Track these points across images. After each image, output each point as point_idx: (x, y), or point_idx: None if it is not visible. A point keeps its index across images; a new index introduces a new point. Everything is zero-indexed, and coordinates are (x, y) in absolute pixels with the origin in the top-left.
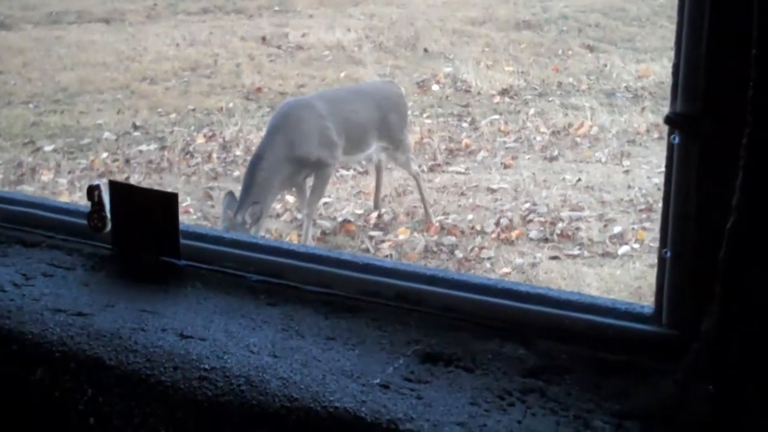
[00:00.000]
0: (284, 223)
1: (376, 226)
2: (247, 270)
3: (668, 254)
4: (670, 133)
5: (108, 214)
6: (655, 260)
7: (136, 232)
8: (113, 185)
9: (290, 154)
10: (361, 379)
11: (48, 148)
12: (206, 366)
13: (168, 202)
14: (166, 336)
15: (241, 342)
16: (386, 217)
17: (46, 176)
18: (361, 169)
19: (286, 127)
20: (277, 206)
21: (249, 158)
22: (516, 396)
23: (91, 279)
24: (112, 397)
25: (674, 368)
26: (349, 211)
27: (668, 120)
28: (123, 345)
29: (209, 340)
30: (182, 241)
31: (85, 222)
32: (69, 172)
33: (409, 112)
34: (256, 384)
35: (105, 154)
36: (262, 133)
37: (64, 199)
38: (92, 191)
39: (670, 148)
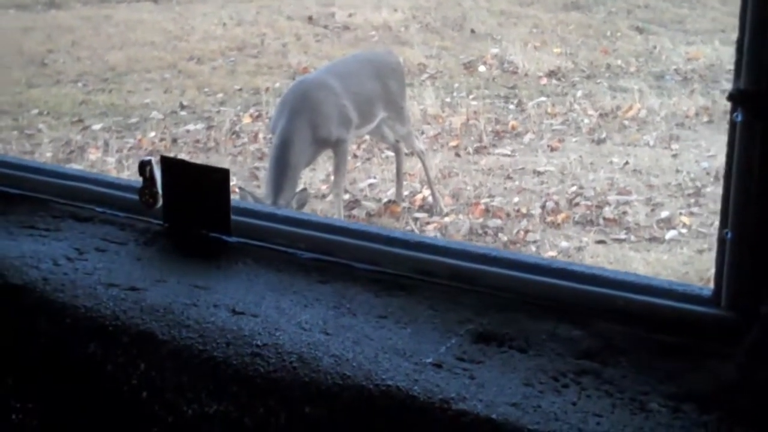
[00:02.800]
0: (330, 204)
1: (421, 208)
2: (298, 247)
3: (729, 235)
4: (732, 111)
5: (159, 190)
6: (703, 245)
7: (187, 208)
8: (165, 161)
9: (314, 136)
10: (413, 357)
11: (96, 126)
12: (258, 342)
13: (220, 177)
14: (218, 312)
15: (293, 319)
16: (431, 200)
17: (94, 155)
18: (407, 151)
19: (307, 109)
20: (323, 187)
21: None
22: (570, 377)
23: (144, 254)
24: (164, 372)
25: (733, 351)
26: (394, 192)
27: (731, 97)
28: (175, 320)
29: (261, 316)
30: (233, 217)
31: (136, 197)
32: (117, 151)
33: (455, 94)
34: (308, 361)
35: (152, 134)
36: None
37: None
38: (144, 167)
39: (733, 125)
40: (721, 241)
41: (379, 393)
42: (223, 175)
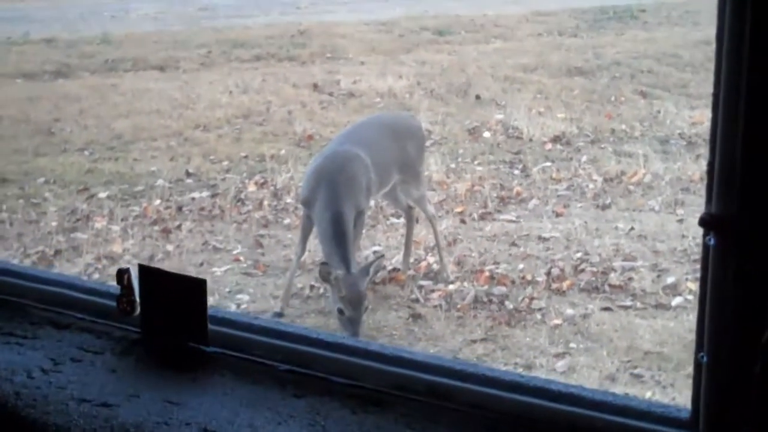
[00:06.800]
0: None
1: (425, 275)
2: (275, 359)
3: (704, 359)
4: (705, 235)
5: (137, 298)
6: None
7: (164, 316)
8: (143, 269)
9: (353, 205)
10: None
11: (102, 194)
12: None
13: (197, 287)
14: (190, 431)
15: None
16: (436, 267)
17: (99, 223)
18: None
19: (344, 181)
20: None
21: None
22: None
23: (119, 365)
24: None
25: None
26: (399, 260)
27: (703, 222)
28: None
29: None
30: (210, 326)
31: (115, 304)
32: (122, 219)
33: (460, 160)
34: None
35: (158, 201)
36: None
37: (117, 246)
38: (122, 275)
39: (706, 249)
40: (697, 364)
41: None
42: (200, 284)
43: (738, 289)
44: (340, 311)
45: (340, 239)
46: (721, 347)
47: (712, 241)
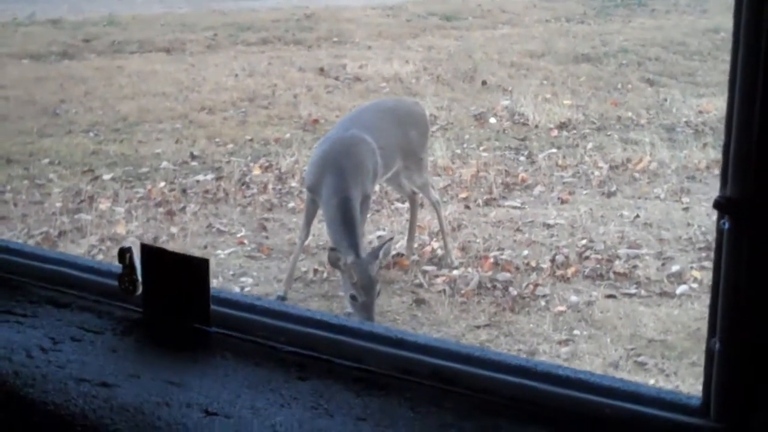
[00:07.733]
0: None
1: (430, 261)
2: (278, 340)
3: (717, 345)
4: (719, 218)
5: (139, 278)
6: None
7: (166, 296)
8: (145, 248)
9: (360, 190)
10: None
11: (107, 176)
12: None
13: (199, 267)
14: (191, 412)
15: (267, 420)
16: (440, 252)
17: (104, 205)
18: (421, 202)
19: (351, 166)
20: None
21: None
22: None
23: (120, 345)
24: None
25: None
26: (403, 245)
27: (717, 205)
28: (146, 421)
29: (234, 417)
30: (213, 307)
31: (116, 284)
32: (126, 201)
33: (465, 146)
34: None
35: (162, 184)
36: None
37: (121, 227)
38: (123, 254)
39: (720, 233)
40: (709, 350)
41: None
42: (204, 264)
43: (753, 274)
44: (353, 297)
45: (348, 224)
46: (734, 333)
47: (726, 225)
